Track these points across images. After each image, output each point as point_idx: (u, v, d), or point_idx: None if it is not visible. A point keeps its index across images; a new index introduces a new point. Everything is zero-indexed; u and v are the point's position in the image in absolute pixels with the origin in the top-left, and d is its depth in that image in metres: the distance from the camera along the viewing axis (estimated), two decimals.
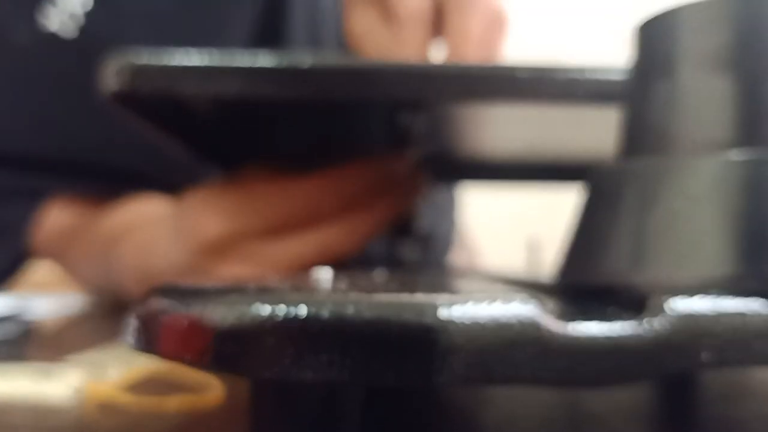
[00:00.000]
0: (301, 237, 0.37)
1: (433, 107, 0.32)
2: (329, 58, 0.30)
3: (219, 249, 0.36)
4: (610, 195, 0.19)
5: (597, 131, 0.33)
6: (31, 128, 0.57)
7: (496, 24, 0.41)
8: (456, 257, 0.76)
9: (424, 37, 0.40)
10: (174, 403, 0.21)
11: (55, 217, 0.58)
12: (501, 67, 0.29)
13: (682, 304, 0.14)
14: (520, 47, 0.42)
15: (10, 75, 0.57)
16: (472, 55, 0.40)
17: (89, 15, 0.55)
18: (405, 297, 0.13)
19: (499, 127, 0.39)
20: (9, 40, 0.55)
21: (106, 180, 0.58)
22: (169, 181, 0.58)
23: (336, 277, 0.19)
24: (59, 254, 0.59)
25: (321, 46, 0.66)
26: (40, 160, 0.57)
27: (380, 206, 0.38)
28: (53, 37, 0.54)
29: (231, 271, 0.36)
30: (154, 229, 0.43)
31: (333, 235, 0.37)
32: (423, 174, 0.41)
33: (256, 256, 0.37)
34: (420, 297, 0.13)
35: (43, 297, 0.56)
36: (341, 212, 0.37)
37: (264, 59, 0.29)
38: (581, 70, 0.29)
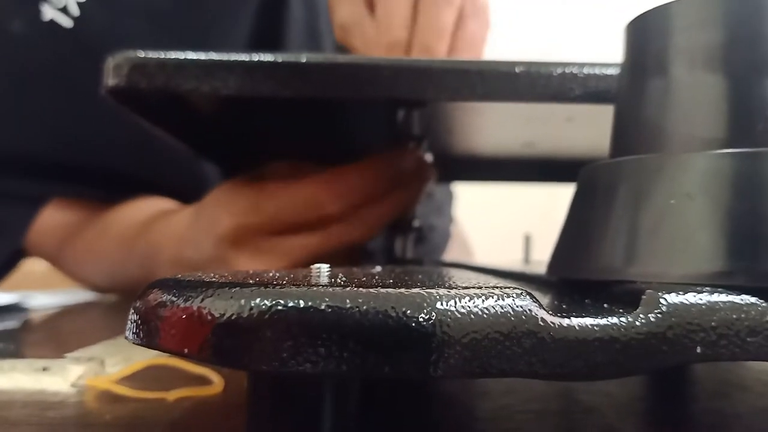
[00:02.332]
0: (310, 232, 0.38)
1: (432, 104, 0.32)
2: (327, 55, 0.30)
3: (233, 241, 0.38)
4: (604, 191, 0.19)
5: (594, 128, 0.33)
6: (28, 123, 0.57)
7: (474, 18, 0.40)
8: (452, 252, 0.76)
9: (407, 27, 0.40)
10: (174, 395, 0.21)
11: (48, 218, 0.58)
12: (497, 64, 0.29)
13: (677, 299, 0.14)
14: (518, 46, 0.42)
15: (7, 65, 0.57)
16: (443, 50, 0.40)
17: (84, 5, 0.55)
18: (401, 291, 0.14)
19: (495, 126, 0.39)
20: (7, 29, 0.55)
21: (102, 180, 0.58)
22: (165, 183, 0.58)
23: (334, 272, 0.19)
24: (53, 253, 0.59)
25: (319, 45, 0.66)
26: (37, 161, 0.57)
27: (389, 200, 0.39)
28: (50, 26, 0.54)
29: (246, 263, 0.38)
30: (183, 222, 0.44)
31: (341, 230, 0.38)
32: (431, 166, 0.41)
33: (268, 249, 0.38)
34: (416, 291, 0.14)
35: (43, 292, 0.56)
36: (349, 209, 0.38)
37: (262, 55, 0.29)
38: (578, 68, 0.29)
